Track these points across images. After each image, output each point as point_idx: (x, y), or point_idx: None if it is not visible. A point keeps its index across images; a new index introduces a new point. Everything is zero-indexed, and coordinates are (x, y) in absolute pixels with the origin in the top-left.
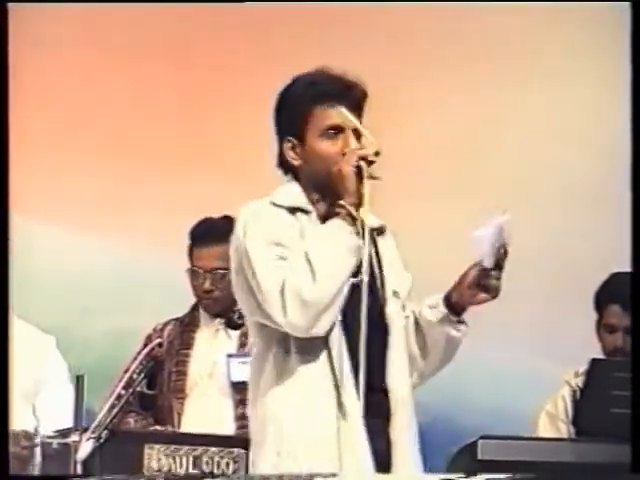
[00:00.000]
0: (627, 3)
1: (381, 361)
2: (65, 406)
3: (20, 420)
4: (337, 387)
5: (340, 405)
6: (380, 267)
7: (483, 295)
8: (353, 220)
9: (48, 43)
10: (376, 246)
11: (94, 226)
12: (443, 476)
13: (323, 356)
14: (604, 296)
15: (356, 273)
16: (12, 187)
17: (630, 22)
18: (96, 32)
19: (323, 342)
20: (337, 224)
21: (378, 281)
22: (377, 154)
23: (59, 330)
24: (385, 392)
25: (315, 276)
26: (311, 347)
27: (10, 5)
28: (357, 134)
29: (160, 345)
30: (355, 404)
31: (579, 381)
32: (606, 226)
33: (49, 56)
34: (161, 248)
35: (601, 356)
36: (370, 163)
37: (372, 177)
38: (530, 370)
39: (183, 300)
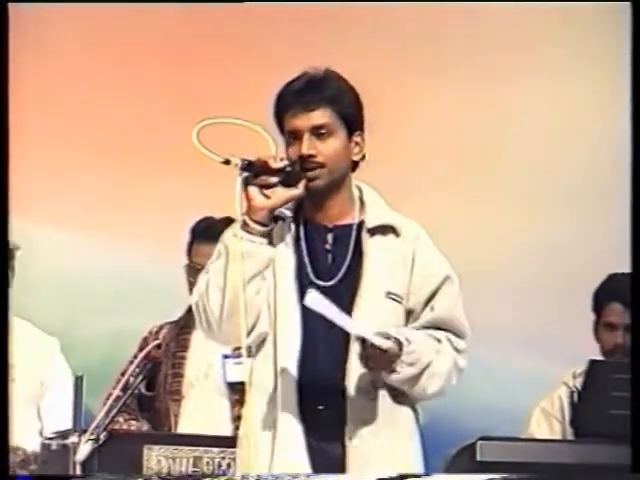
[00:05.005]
0: (627, 3)
1: (342, 366)
2: (69, 409)
3: (23, 423)
4: (275, 389)
5: (276, 407)
6: (354, 268)
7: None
8: (245, 225)
9: (48, 43)
10: (360, 247)
11: (94, 227)
12: None
13: (270, 359)
14: (604, 295)
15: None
16: (12, 187)
17: (630, 22)
18: (96, 32)
19: (272, 346)
20: (231, 232)
21: (346, 284)
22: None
23: (58, 331)
24: (344, 397)
25: (209, 285)
26: (263, 351)
27: (10, 5)
28: (320, 134)
29: (159, 347)
30: (291, 406)
31: (577, 382)
32: (606, 226)
33: (49, 56)
34: (161, 249)
35: (599, 357)
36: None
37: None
38: (530, 370)
39: (183, 301)
